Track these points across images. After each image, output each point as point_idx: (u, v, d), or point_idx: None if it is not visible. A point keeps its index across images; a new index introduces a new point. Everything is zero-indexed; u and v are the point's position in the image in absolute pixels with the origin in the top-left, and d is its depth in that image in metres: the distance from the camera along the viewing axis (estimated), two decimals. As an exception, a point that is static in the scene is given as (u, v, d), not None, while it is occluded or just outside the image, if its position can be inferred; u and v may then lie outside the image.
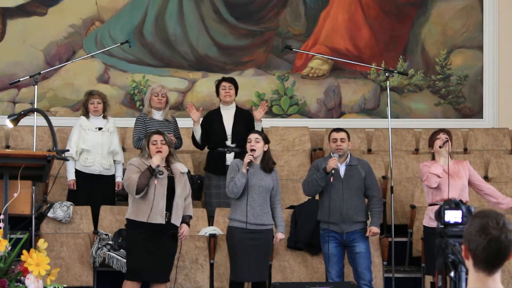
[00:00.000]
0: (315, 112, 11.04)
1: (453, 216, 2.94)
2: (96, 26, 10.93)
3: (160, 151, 7.43)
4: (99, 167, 8.83)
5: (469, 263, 2.90)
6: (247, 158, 7.58)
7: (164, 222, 7.36)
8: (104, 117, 9.07)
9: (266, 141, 7.74)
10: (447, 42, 11.12)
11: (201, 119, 9.12)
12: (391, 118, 9.32)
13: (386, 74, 9.30)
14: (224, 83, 9.09)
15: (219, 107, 9.17)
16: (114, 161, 8.93)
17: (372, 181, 7.87)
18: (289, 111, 10.99)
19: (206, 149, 9.38)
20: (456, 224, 2.94)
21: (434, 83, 11.11)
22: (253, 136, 7.71)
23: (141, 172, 7.34)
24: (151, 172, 7.32)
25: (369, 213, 7.88)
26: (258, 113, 8.89)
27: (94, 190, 8.81)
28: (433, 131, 10.46)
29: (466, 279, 2.93)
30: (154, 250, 7.37)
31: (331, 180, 7.66)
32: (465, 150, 10.55)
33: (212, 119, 9.06)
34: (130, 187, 7.35)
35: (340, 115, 11.05)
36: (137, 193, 7.33)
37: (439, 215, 2.95)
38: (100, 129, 8.96)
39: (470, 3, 11.13)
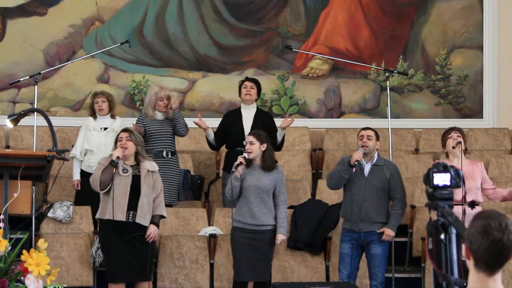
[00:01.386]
0: (315, 112, 11.04)
1: (442, 179, 2.92)
2: (96, 26, 10.93)
3: (125, 147, 7.46)
4: None
5: (470, 262, 2.89)
6: (237, 161, 7.62)
7: (124, 220, 7.38)
8: (112, 116, 9.08)
9: (263, 141, 7.73)
10: (447, 42, 11.11)
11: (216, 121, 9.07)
12: (391, 118, 9.32)
13: (386, 74, 9.31)
14: (246, 83, 9.10)
15: (239, 107, 9.16)
16: None
17: (396, 184, 7.82)
18: (289, 111, 10.98)
19: (215, 148, 9.36)
20: (445, 187, 2.91)
21: (434, 83, 11.10)
22: (247, 139, 7.75)
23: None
24: (112, 165, 7.37)
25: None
26: (285, 122, 8.86)
27: None
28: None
29: (457, 242, 2.93)
30: (125, 250, 7.39)
31: (354, 170, 7.66)
32: (465, 150, 10.53)
33: (231, 119, 9.03)
34: (94, 182, 7.45)
35: (340, 115, 11.05)
36: (101, 189, 7.41)
37: (428, 179, 2.93)
38: (105, 129, 8.97)
39: (470, 3, 11.12)
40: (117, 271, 7.43)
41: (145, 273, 7.53)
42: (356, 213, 7.71)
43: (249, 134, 7.85)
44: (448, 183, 2.90)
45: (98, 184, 7.39)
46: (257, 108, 9.18)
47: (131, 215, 7.42)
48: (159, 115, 9.00)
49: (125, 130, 7.71)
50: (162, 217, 7.67)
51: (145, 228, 7.48)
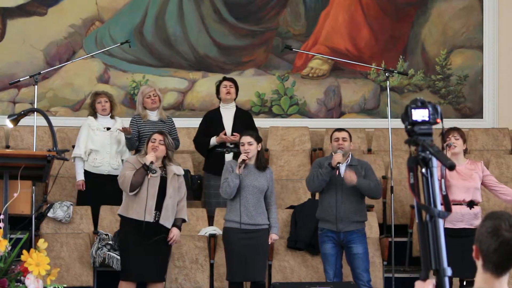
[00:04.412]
0: (315, 112, 11.04)
1: (420, 114, 2.90)
2: (96, 26, 10.93)
3: (155, 149, 7.46)
4: (108, 167, 8.82)
5: (478, 263, 2.90)
6: (241, 158, 7.62)
7: (152, 220, 7.38)
8: (112, 117, 9.09)
9: (259, 140, 7.77)
10: (447, 42, 11.11)
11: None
12: (391, 118, 9.32)
13: (386, 74, 9.31)
14: (225, 82, 9.15)
15: (218, 107, 9.18)
16: (122, 160, 8.94)
17: (370, 176, 7.86)
18: (289, 111, 10.99)
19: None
20: (423, 122, 2.90)
21: (434, 83, 11.10)
22: (245, 140, 7.74)
23: (135, 170, 7.41)
24: (145, 169, 7.37)
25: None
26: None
27: (104, 190, 8.79)
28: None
29: (441, 180, 2.94)
30: (146, 249, 7.39)
31: (337, 173, 7.69)
32: (465, 150, 10.53)
33: (211, 119, 9.05)
34: (125, 184, 7.44)
35: (340, 115, 11.05)
36: (131, 190, 7.41)
37: (406, 115, 2.92)
38: (108, 129, 8.97)
39: (470, 3, 11.12)
40: (133, 270, 7.45)
41: (160, 274, 7.55)
42: (335, 214, 7.73)
43: (246, 134, 7.85)
44: (427, 119, 2.89)
45: (129, 186, 7.39)
46: (236, 107, 9.19)
47: (155, 215, 7.43)
48: (153, 116, 9.02)
49: (161, 132, 7.72)
50: (184, 221, 7.71)
51: (167, 230, 7.50)
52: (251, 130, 8.32)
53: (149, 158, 7.45)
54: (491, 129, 10.77)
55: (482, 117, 11.04)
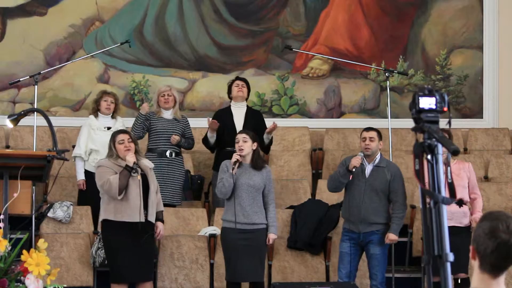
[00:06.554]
0: (315, 112, 11.04)
1: (427, 102, 2.92)
2: (96, 26, 10.93)
3: (129, 149, 7.44)
4: None
5: (475, 263, 2.90)
6: (234, 158, 7.61)
7: (143, 220, 7.37)
8: (113, 117, 9.09)
9: (254, 139, 7.74)
10: (447, 42, 11.11)
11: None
12: (391, 118, 9.32)
13: (386, 74, 9.31)
14: (237, 81, 9.16)
15: (229, 106, 9.17)
16: None
17: (397, 186, 7.77)
18: (289, 111, 10.99)
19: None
20: (430, 110, 2.92)
21: (434, 83, 11.10)
22: (240, 136, 7.72)
23: (118, 173, 7.35)
24: (129, 171, 7.33)
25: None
26: (269, 129, 8.86)
27: None
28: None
29: (446, 165, 2.95)
30: (138, 250, 7.38)
31: (351, 178, 7.65)
32: (465, 150, 10.55)
33: (222, 118, 9.03)
34: (112, 189, 7.31)
35: (340, 115, 11.05)
36: (119, 194, 7.34)
37: (414, 102, 2.94)
38: (109, 128, 8.98)
39: (470, 3, 11.13)
40: (123, 272, 7.42)
41: (148, 273, 7.55)
42: (355, 214, 7.71)
43: (241, 132, 7.85)
44: (434, 107, 2.90)
45: (117, 191, 7.30)
46: (247, 106, 9.19)
47: (144, 214, 7.42)
48: (167, 114, 9.03)
49: (124, 131, 7.68)
50: (162, 212, 7.72)
51: (152, 225, 7.50)
52: (257, 128, 8.30)
53: (131, 159, 7.36)
54: (491, 129, 10.77)
55: (482, 117, 11.05)
